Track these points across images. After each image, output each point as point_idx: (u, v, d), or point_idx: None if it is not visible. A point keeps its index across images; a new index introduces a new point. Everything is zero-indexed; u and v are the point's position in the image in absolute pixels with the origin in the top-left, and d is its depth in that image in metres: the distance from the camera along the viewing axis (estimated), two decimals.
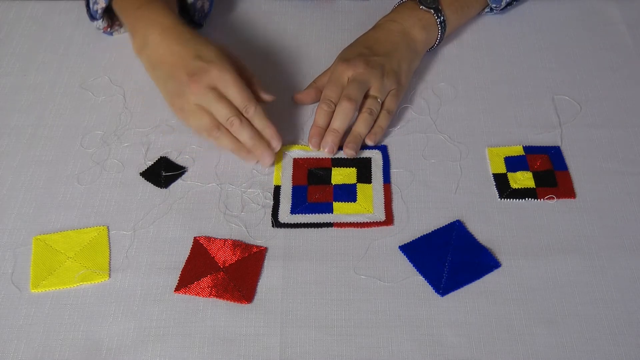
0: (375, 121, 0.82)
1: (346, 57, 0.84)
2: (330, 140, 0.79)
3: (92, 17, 0.93)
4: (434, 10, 0.88)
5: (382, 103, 0.83)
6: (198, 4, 0.92)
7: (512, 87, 0.88)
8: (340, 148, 0.80)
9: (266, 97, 0.81)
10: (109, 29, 0.94)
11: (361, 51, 0.84)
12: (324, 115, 0.80)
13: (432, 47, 0.91)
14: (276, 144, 0.78)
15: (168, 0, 0.86)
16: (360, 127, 0.80)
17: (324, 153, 0.80)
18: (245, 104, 0.76)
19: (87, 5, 0.92)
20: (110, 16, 0.94)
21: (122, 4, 0.87)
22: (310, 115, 0.85)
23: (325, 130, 0.80)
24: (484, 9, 0.95)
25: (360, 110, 0.81)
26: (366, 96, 0.82)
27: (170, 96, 0.80)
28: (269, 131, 0.77)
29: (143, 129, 0.84)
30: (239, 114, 0.77)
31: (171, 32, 0.80)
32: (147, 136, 0.83)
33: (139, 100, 0.88)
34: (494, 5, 0.94)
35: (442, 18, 0.88)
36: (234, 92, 0.76)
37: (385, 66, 0.83)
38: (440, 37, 0.90)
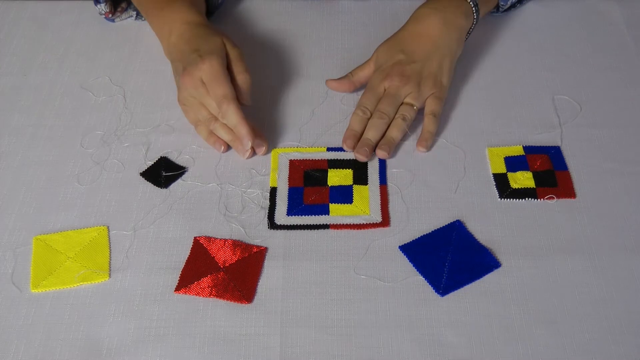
0: (424, 128, 0.82)
1: (383, 65, 0.84)
2: (365, 146, 0.79)
3: (97, 1, 0.94)
4: None
5: (425, 107, 0.83)
6: None
7: (512, 87, 0.88)
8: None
9: (243, 100, 0.81)
10: (110, 15, 0.95)
11: (398, 58, 0.84)
12: (359, 121, 0.81)
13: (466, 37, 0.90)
14: (245, 143, 0.78)
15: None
16: (393, 132, 0.81)
17: (357, 158, 0.79)
18: (218, 101, 0.77)
19: None
20: (114, 2, 0.94)
21: (145, 3, 0.89)
22: (310, 118, 0.85)
23: (359, 134, 0.81)
24: (494, 7, 0.95)
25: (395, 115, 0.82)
26: (403, 102, 0.83)
27: (177, 90, 0.83)
28: (239, 129, 0.78)
29: (143, 129, 0.84)
30: None
31: (186, 33, 0.82)
32: (147, 136, 0.83)
33: (139, 100, 0.88)
34: (502, 4, 0.93)
35: (477, 7, 0.88)
36: (212, 88, 0.78)
37: (423, 72, 0.83)
38: (473, 27, 0.89)
